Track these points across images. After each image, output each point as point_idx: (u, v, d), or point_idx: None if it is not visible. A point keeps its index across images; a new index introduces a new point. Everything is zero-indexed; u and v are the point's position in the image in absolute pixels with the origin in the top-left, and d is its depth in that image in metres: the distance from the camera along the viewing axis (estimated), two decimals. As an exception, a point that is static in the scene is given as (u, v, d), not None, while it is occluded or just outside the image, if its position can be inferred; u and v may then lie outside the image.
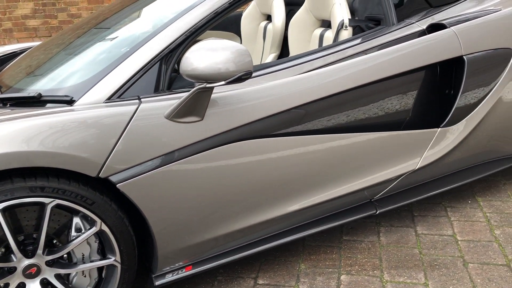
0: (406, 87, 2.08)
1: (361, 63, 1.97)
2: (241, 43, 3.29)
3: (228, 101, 1.73)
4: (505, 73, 2.19)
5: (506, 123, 2.33)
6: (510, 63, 2.19)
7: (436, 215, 2.40)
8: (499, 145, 2.40)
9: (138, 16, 2.15)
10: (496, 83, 2.18)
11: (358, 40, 2.13)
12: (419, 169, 2.15)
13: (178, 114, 1.61)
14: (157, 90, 1.73)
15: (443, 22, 2.13)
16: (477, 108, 2.18)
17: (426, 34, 2.13)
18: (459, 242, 2.17)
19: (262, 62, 3.01)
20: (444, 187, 2.31)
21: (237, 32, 3.35)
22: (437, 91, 2.15)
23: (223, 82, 1.55)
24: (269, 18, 3.09)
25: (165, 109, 1.63)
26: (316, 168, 1.96)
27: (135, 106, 1.60)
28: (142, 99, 1.65)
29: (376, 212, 2.14)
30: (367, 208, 2.15)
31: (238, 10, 3.53)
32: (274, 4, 2.89)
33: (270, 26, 2.96)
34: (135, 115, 1.59)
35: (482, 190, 2.59)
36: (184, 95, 1.61)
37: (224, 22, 3.42)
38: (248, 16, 3.18)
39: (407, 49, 2.04)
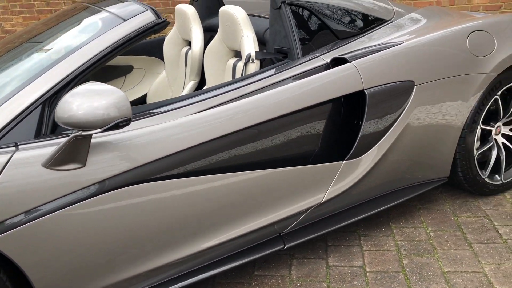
0: (309, 122, 2.08)
1: (262, 99, 1.96)
2: (164, 68, 3.24)
3: (116, 144, 1.67)
4: (408, 104, 2.22)
5: (414, 152, 2.36)
6: (413, 94, 2.22)
7: (349, 245, 2.41)
8: (410, 172, 2.44)
9: (31, 52, 2.06)
10: (400, 114, 2.21)
11: (263, 75, 2.11)
12: (325, 202, 2.16)
13: (56, 162, 1.54)
14: (39, 134, 1.65)
15: (345, 56, 2.14)
16: (381, 140, 2.20)
17: (330, 68, 2.14)
18: (367, 274, 2.17)
19: (184, 89, 2.96)
20: (358, 215, 2.32)
21: (161, 57, 3.30)
22: (341, 124, 2.16)
23: (99, 130, 1.49)
24: (190, 44, 3.06)
25: (43, 157, 1.55)
26: (222, 205, 1.93)
27: (9, 155, 1.52)
28: (19, 146, 1.57)
29: (284, 247, 2.12)
30: (276, 243, 2.13)
31: (161, 34, 3.48)
32: (192, 30, 2.85)
33: (190, 52, 2.93)
34: (8, 164, 1.51)
35: (397, 216, 2.62)
36: (63, 141, 1.54)
37: (148, 46, 3.36)
38: (170, 41, 3.13)
39: (308, 84, 2.04)
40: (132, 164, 1.68)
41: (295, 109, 1.99)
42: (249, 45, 2.28)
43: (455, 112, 2.38)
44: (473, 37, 2.40)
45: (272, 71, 2.13)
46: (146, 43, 3.34)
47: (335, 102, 2.11)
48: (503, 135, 2.74)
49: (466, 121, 2.45)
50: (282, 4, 2.26)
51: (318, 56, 2.20)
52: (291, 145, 2.05)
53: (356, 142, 2.13)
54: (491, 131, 2.66)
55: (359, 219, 2.32)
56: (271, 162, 2.02)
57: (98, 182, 1.62)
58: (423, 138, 2.36)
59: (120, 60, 3.26)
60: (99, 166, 1.61)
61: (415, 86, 2.22)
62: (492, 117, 2.63)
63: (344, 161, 2.15)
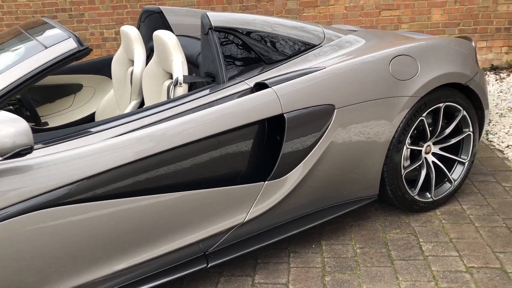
0: (231, 144, 2.16)
1: (182, 122, 2.03)
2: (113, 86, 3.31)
3: (23, 170, 1.73)
4: (329, 127, 2.31)
5: (341, 171, 2.45)
6: (333, 117, 2.31)
7: (278, 262, 2.48)
8: (339, 190, 2.52)
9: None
10: (321, 136, 2.30)
11: (187, 98, 2.19)
12: (248, 221, 2.23)
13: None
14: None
15: (266, 81, 2.23)
16: (303, 161, 2.29)
17: (253, 92, 2.23)
18: (289, 291, 2.25)
19: (127, 108, 3.03)
20: (286, 233, 2.40)
21: (110, 76, 3.37)
22: (264, 146, 2.24)
23: (0, 159, 1.56)
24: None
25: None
26: (144, 226, 2.00)
27: None
28: None
29: (207, 265, 2.19)
30: (200, 261, 2.20)
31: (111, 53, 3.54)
32: (135, 51, 2.93)
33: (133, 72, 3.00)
34: None
35: (329, 233, 2.70)
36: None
37: (98, 65, 3.43)
38: (117, 60, 3.21)
39: (229, 108, 2.12)
40: (44, 188, 1.74)
41: (215, 132, 2.07)
42: (178, 69, 2.36)
43: (380, 133, 2.48)
44: (396, 62, 2.51)
45: (197, 95, 2.21)
46: (96, 62, 3.42)
47: (257, 125, 2.20)
48: (434, 154, 2.85)
49: (391, 141, 2.55)
50: (210, 30, 2.35)
51: (242, 81, 2.29)
52: (211, 167, 2.13)
53: (277, 164, 2.22)
54: (421, 150, 2.76)
55: (288, 236, 2.40)
56: (191, 183, 2.09)
57: (7, 207, 1.68)
58: (349, 158, 2.45)
59: (68, 78, 3.33)
60: (6, 192, 1.67)
61: (335, 110, 2.32)
62: (422, 137, 2.74)
63: (266, 182, 2.23)
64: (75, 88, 3.37)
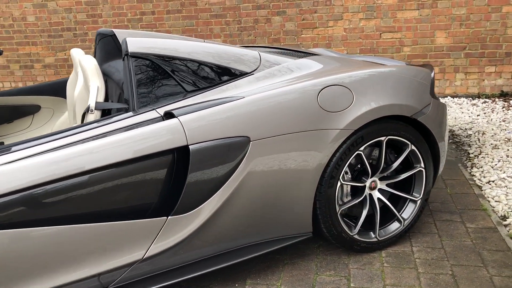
0: (132, 176, 2.06)
1: (78, 151, 1.96)
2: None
3: None
4: (244, 160, 2.18)
5: (262, 207, 2.30)
6: (248, 150, 2.18)
7: (193, 300, 2.35)
8: (264, 227, 2.37)
9: None
10: (234, 170, 2.17)
11: (91, 126, 2.12)
12: (148, 258, 2.12)
13: None
14: None
15: (174, 111, 2.13)
16: (213, 196, 2.16)
17: (163, 121, 2.13)
18: (191, 334, 2.11)
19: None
20: (204, 269, 2.27)
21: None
22: (169, 179, 2.13)
23: None
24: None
25: None
26: (34, 256, 1.93)
27: None
28: None
29: (105, 302, 2.09)
30: (99, 297, 2.10)
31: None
32: (79, 75, 2.91)
33: (80, 95, 2.98)
34: None
35: (259, 271, 2.54)
36: None
37: (56, 86, 3.44)
38: (70, 82, 3.20)
39: (133, 137, 2.03)
40: None
41: (109, 163, 1.98)
42: (92, 95, 2.30)
43: (307, 167, 2.32)
44: (326, 92, 2.35)
45: (102, 123, 2.14)
46: (54, 84, 3.43)
47: (162, 156, 2.09)
48: (381, 191, 2.65)
49: (322, 176, 2.38)
50: (125, 57, 2.28)
51: (153, 109, 2.20)
52: (109, 199, 2.04)
53: (180, 198, 2.10)
54: (363, 186, 2.57)
55: (216, 272, 2.28)
56: (86, 215, 2.01)
57: None
58: (271, 194, 2.30)
59: (26, 100, 3.35)
60: None
61: (250, 142, 2.18)
62: (368, 172, 2.56)
63: (169, 217, 2.11)
64: (33, 109, 3.39)
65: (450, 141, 4.49)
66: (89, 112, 2.28)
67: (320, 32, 5.93)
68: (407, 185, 2.73)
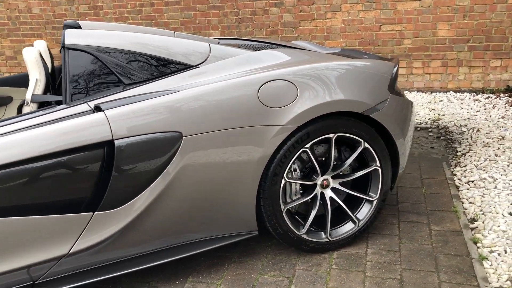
0: (59, 169, 2.03)
1: (9, 142, 1.95)
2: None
3: None
4: (175, 156, 2.12)
5: (200, 204, 2.25)
6: (180, 146, 2.12)
7: (131, 296, 2.32)
8: (205, 224, 2.32)
9: None
10: (165, 167, 2.12)
11: (21, 118, 2.11)
12: (75, 253, 2.10)
13: None
14: None
15: (102, 104, 2.09)
16: (144, 192, 2.12)
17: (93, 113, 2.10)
18: (117, 331, 2.08)
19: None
20: (137, 266, 2.24)
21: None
22: (95, 174, 2.08)
23: None
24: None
25: None
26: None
27: None
28: None
29: (31, 295, 2.09)
30: (26, 291, 2.10)
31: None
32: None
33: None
34: None
35: (204, 268, 2.49)
36: None
37: (26, 78, 3.46)
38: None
39: (58, 129, 2.00)
40: None
41: (41, 154, 1.96)
42: (30, 88, 2.29)
43: (246, 164, 2.25)
44: (268, 87, 2.26)
45: (33, 115, 2.11)
46: (26, 75, 3.44)
47: (91, 150, 2.06)
48: (334, 190, 2.55)
49: (264, 173, 2.30)
50: (62, 49, 2.25)
51: (84, 102, 2.16)
52: (38, 193, 2.02)
53: (106, 194, 2.06)
54: (314, 184, 2.48)
55: (158, 269, 2.25)
56: (15, 208, 2.00)
57: None
58: (208, 191, 2.24)
59: (-2, 91, 3.38)
60: None
61: (183, 138, 2.12)
62: (317, 170, 2.46)
63: (95, 212, 2.08)
64: (5, 101, 3.42)
65: (442, 138, 4.31)
66: (25, 104, 2.27)
67: (318, 24, 5.79)
68: (366, 185, 2.61)
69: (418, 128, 4.61)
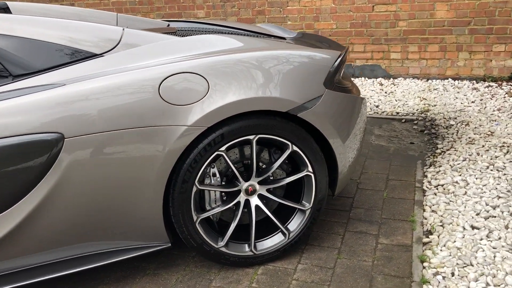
0: None
1: None
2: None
3: None
4: (57, 161, 1.86)
5: (83, 213, 1.99)
6: (62, 150, 1.86)
7: (23, 311, 2.10)
8: (101, 235, 2.07)
9: None
10: (45, 173, 1.86)
11: None
12: None
13: None
14: None
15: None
16: (22, 200, 1.87)
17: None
18: None
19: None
20: (37, 277, 2.02)
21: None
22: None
23: None
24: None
25: None
26: None
27: None
28: None
29: None
30: None
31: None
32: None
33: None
34: None
35: (114, 281, 2.26)
36: None
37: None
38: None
39: None
40: None
41: None
42: None
43: (145, 170, 1.97)
44: (172, 81, 1.96)
45: None
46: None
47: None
48: (262, 197, 2.25)
49: (171, 180, 2.03)
50: None
51: (-39, 97, 1.91)
52: None
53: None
54: (237, 191, 2.19)
55: (67, 279, 2.02)
56: None
57: None
58: (103, 199, 1.98)
59: None
60: None
61: (64, 140, 1.86)
62: (245, 175, 2.18)
63: (-33, 221, 1.85)
64: None
65: (426, 132, 3.93)
66: None
67: (307, 4, 5.38)
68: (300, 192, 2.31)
69: (403, 120, 4.23)
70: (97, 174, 1.93)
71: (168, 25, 3.08)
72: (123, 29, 2.20)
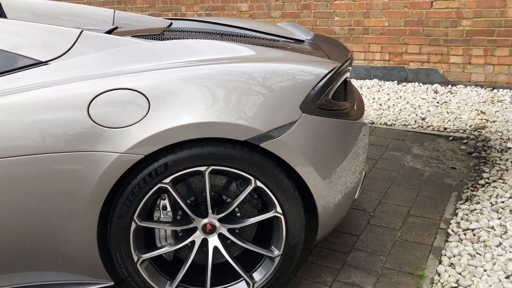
0: None
1: None
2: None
3: None
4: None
5: (8, 244, 1.75)
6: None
7: None
8: (29, 267, 1.83)
9: None
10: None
11: None
12: None
13: None
14: None
15: None
16: None
17: None
18: None
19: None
20: None
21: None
22: None
23: None
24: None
25: None
26: None
27: None
28: None
29: None
30: None
31: None
32: None
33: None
34: None
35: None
36: None
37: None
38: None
39: None
40: None
41: None
42: None
43: (74, 200, 1.69)
44: (104, 98, 1.65)
45: None
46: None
47: None
48: (222, 237, 1.89)
49: (110, 214, 1.74)
50: None
51: None
52: None
53: None
54: (192, 228, 1.85)
55: None
56: None
57: None
58: (28, 230, 1.73)
59: None
60: None
61: (-23, 162, 1.61)
62: (200, 211, 1.84)
63: None
64: None
65: (474, 155, 3.31)
66: None
67: (357, -2, 4.84)
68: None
69: (451, 138, 3.62)
70: (17, 204, 1.67)
71: (171, 24, 2.79)
72: (81, 32, 1.91)
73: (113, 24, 2.82)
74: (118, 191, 1.73)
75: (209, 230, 1.86)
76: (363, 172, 2.15)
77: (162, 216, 1.85)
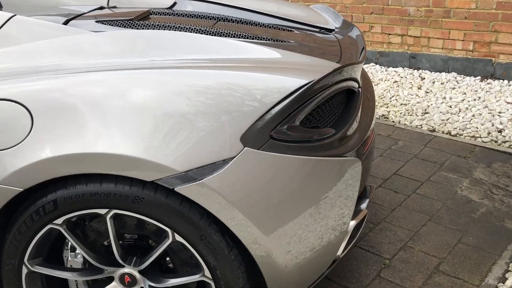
0: None
1: None
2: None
3: None
4: None
5: None
6: None
7: None
8: None
9: None
10: None
11: None
12: None
13: None
14: None
15: None
16: None
17: None
18: None
19: None
20: None
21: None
22: None
23: None
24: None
25: None
26: None
27: None
28: None
29: None
30: None
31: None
32: None
33: None
34: None
35: None
36: None
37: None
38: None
39: None
40: None
41: None
42: None
43: None
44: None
45: None
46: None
47: None
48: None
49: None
50: None
51: None
52: None
53: None
54: (107, 278, 1.45)
55: None
56: None
57: None
58: None
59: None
60: None
61: None
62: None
63: None
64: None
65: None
66: None
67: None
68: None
69: (531, 160, 2.80)
70: None
71: (175, 3, 2.38)
72: (12, 16, 1.53)
73: (107, 4, 2.45)
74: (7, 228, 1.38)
75: (128, 282, 1.44)
76: (353, 222, 1.57)
77: (70, 258, 1.46)
